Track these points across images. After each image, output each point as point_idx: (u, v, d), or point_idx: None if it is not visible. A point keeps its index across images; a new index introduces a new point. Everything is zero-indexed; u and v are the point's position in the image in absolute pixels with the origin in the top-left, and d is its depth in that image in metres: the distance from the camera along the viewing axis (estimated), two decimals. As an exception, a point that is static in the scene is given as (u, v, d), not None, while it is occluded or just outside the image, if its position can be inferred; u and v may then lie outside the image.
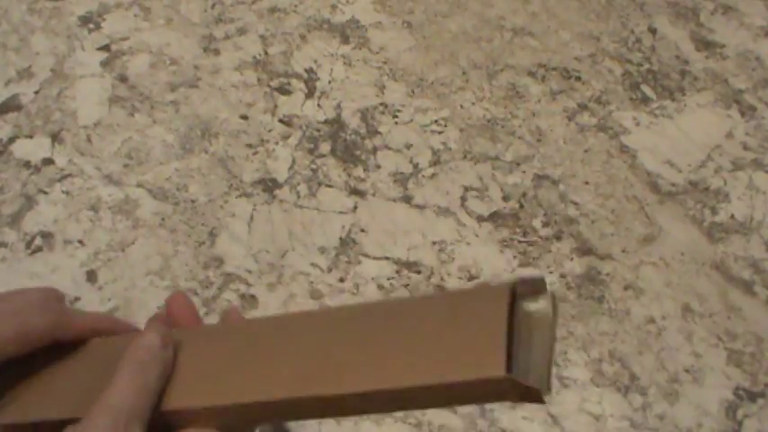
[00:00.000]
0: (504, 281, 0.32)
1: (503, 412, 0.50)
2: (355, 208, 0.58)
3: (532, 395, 0.30)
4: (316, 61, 0.66)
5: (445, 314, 0.32)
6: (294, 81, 0.65)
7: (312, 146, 0.61)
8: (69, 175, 0.59)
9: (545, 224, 0.58)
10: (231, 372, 0.34)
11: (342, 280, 0.55)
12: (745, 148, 0.63)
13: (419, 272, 0.55)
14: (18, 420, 0.37)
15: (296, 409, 0.33)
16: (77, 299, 0.53)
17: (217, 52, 0.66)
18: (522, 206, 0.59)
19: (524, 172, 0.61)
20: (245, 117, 0.63)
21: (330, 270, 0.55)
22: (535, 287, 0.33)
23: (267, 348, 0.34)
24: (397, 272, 0.55)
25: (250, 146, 0.61)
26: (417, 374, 0.30)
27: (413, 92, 0.65)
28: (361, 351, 0.32)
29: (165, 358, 0.35)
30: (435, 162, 0.61)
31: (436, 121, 0.63)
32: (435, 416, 0.50)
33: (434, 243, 0.57)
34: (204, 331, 0.38)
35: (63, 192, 0.58)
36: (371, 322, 0.33)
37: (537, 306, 0.33)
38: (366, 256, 0.56)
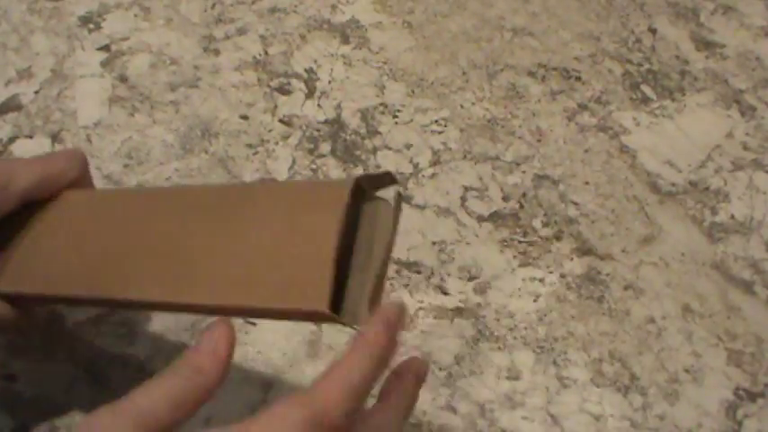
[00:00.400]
0: (347, 180, 0.34)
1: (503, 412, 0.50)
2: (355, 208, 0.58)
3: (348, 324, 0.33)
4: (316, 61, 0.66)
5: (283, 222, 0.34)
6: (294, 81, 0.65)
7: (312, 146, 0.61)
8: (69, 175, 0.59)
9: (545, 224, 0.58)
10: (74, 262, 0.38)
11: (342, 280, 0.55)
12: (745, 148, 0.63)
13: (419, 272, 0.55)
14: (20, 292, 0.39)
15: (130, 305, 0.37)
16: (77, 299, 0.53)
17: (217, 52, 0.66)
18: (522, 206, 0.59)
19: (524, 172, 0.61)
20: (245, 117, 0.63)
21: (330, 270, 0.55)
22: (382, 183, 0.35)
23: (123, 238, 0.37)
24: (397, 272, 0.55)
25: (250, 146, 0.61)
26: (246, 296, 0.33)
27: (413, 92, 0.65)
28: (201, 259, 0.35)
29: (211, 382, 0.32)
30: (435, 162, 0.61)
31: (436, 121, 0.63)
32: (435, 416, 0.50)
33: (434, 243, 0.57)
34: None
35: (63, 192, 0.58)
36: (214, 221, 0.35)
37: (379, 206, 0.35)
38: (366, 256, 0.56)
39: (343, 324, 0.33)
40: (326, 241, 0.32)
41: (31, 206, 0.41)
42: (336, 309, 0.32)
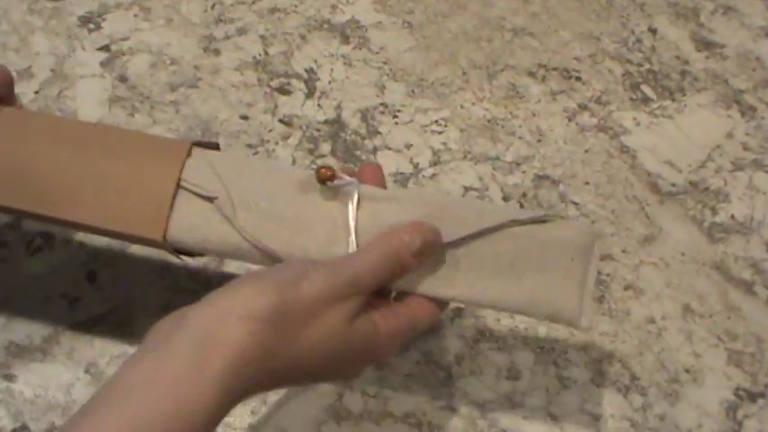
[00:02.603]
0: (182, 142, 0.43)
1: (503, 412, 0.50)
2: (355, 208, 0.58)
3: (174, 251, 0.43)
4: (316, 61, 0.66)
5: (134, 164, 0.42)
6: (294, 81, 0.65)
7: (312, 146, 0.61)
8: (69, 175, 0.59)
9: (545, 224, 0.58)
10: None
11: (342, 280, 0.55)
12: (745, 148, 0.63)
13: (419, 272, 0.55)
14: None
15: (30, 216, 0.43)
16: (77, 299, 0.53)
17: (217, 52, 0.66)
18: (522, 206, 0.59)
19: (524, 172, 0.61)
20: (245, 117, 0.63)
21: (330, 270, 0.55)
22: (210, 147, 0.44)
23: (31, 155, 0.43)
24: (397, 272, 0.55)
25: (250, 146, 0.61)
26: (102, 218, 0.41)
27: (413, 92, 0.65)
28: (78, 182, 0.42)
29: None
30: (435, 162, 0.61)
31: (436, 121, 0.63)
32: (435, 416, 0.50)
33: (434, 243, 0.57)
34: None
35: (63, 192, 0.58)
36: (94, 151, 0.43)
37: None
38: (366, 256, 0.56)
39: (171, 252, 0.43)
40: (167, 184, 0.41)
41: None
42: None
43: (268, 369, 0.33)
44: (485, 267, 0.41)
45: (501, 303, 0.42)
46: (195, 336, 0.32)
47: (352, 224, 0.41)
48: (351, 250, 0.41)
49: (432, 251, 0.40)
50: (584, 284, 0.42)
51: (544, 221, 0.42)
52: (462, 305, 0.52)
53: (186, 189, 0.42)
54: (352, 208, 0.42)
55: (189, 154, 0.42)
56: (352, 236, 0.41)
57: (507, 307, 0.42)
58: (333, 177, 0.41)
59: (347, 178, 0.42)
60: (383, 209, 0.42)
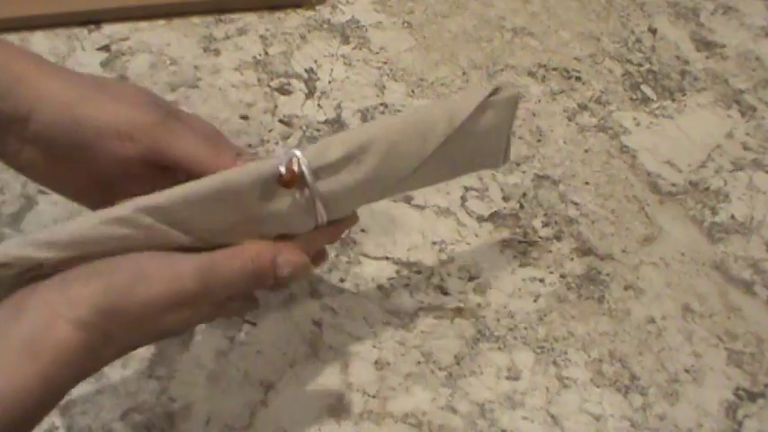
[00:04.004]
0: None
1: (503, 412, 0.50)
2: (355, 208, 0.58)
3: None
4: (316, 61, 0.66)
5: None
6: (294, 81, 0.65)
7: (312, 146, 0.61)
8: (69, 175, 0.59)
9: (545, 224, 0.58)
10: None
11: (342, 280, 0.55)
12: (745, 148, 0.63)
13: (419, 272, 0.55)
14: None
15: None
16: (77, 299, 0.53)
17: (217, 52, 0.66)
18: (522, 206, 0.59)
19: (524, 172, 0.61)
20: (245, 117, 0.63)
21: (330, 270, 0.55)
22: None
23: None
24: (397, 272, 0.55)
25: (250, 146, 0.61)
26: None
27: (413, 92, 0.65)
28: None
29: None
30: (435, 162, 0.61)
31: (436, 121, 0.63)
32: (435, 416, 0.50)
33: (434, 243, 0.57)
34: None
35: (63, 192, 0.58)
36: None
37: None
38: (366, 256, 0.56)
39: None
40: None
41: None
42: None
43: (95, 361, 0.36)
44: (437, 172, 0.44)
45: (431, 181, 0.44)
46: (28, 332, 0.34)
47: (318, 204, 0.39)
48: (320, 219, 0.39)
49: (292, 282, 0.40)
50: (508, 135, 0.45)
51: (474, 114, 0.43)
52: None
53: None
54: (311, 184, 0.39)
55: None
56: (319, 205, 0.39)
57: (439, 180, 0.44)
58: (294, 180, 0.38)
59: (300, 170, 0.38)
60: (338, 178, 0.40)
